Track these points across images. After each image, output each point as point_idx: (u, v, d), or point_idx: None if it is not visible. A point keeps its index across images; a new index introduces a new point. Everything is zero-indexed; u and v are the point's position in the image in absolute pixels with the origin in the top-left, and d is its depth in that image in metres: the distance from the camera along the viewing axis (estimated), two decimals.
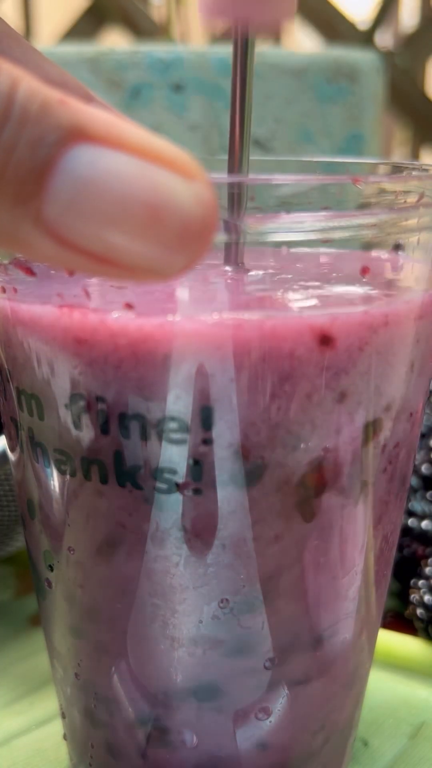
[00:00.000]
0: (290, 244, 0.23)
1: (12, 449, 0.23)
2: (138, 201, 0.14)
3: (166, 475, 0.20)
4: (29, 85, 0.14)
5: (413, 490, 0.38)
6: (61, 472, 0.21)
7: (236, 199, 0.20)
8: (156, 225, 0.14)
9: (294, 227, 0.19)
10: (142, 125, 0.15)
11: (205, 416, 0.19)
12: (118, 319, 0.19)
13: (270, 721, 0.23)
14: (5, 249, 0.21)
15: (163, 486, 0.20)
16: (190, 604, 0.21)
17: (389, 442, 0.22)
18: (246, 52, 0.21)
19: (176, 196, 0.14)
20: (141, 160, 0.14)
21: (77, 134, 0.14)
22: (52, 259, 0.15)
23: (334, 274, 0.23)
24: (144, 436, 0.20)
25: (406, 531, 0.36)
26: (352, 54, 0.69)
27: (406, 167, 0.25)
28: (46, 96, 0.14)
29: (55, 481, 0.22)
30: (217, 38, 1.00)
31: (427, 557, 0.36)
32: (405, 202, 0.21)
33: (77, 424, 0.20)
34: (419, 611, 0.34)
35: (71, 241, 0.14)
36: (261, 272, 0.22)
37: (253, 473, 0.20)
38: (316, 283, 0.22)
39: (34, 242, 0.14)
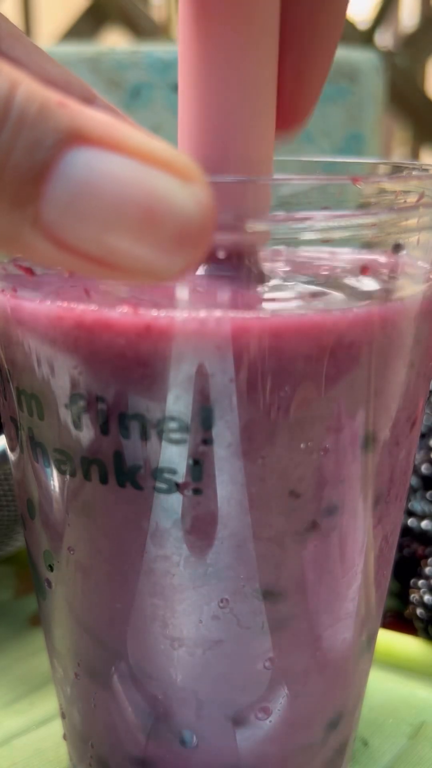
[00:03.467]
0: (290, 243, 0.23)
1: (12, 449, 0.23)
2: (135, 203, 0.14)
3: (166, 475, 0.20)
4: (28, 87, 0.14)
5: (413, 490, 0.38)
6: (61, 472, 0.21)
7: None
8: (153, 227, 0.14)
9: (293, 227, 0.19)
10: (142, 125, 0.15)
11: (204, 416, 0.19)
12: (118, 319, 0.19)
13: (270, 721, 0.23)
14: (4, 251, 0.21)
15: (162, 486, 0.20)
16: (189, 604, 0.21)
17: (389, 442, 0.22)
18: None
19: (173, 198, 0.14)
20: (138, 162, 0.14)
21: (75, 137, 0.14)
22: (51, 261, 0.15)
23: (333, 274, 0.23)
24: (144, 436, 0.20)
25: (406, 531, 0.36)
26: (352, 54, 0.69)
27: (406, 167, 0.25)
28: (44, 98, 0.14)
29: (54, 481, 0.22)
30: None
31: (427, 557, 0.36)
32: (405, 201, 0.21)
33: (77, 424, 0.20)
34: (419, 611, 0.34)
35: (69, 244, 0.14)
36: (260, 272, 0.22)
37: (252, 473, 0.20)
38: (316, 283, 0.22)
39: (32, 244, 0.14)
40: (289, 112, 0.23)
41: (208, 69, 0.21)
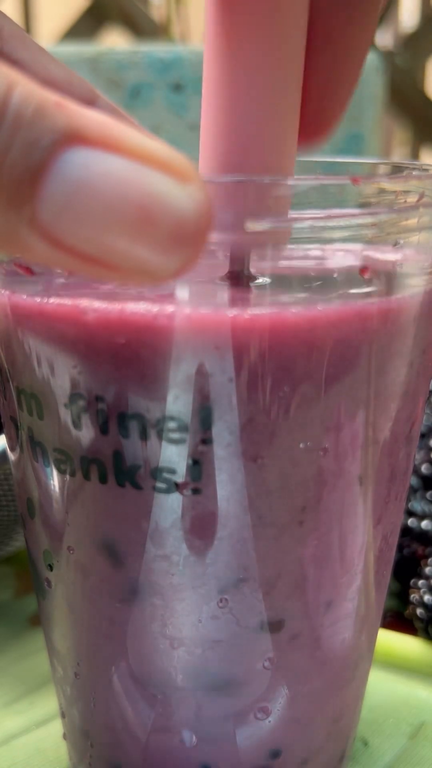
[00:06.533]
0: (289, 242, 0.23)
1: (12, 449, 0.23)
2: (131, 203, 0.14)
3: (165, 475, 0.20)
4: (25, 88, 0.14)
5: (413, 490, 0.38)
6: (61, 472, 0.21)
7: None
8: (149, 227, 0.14)
9: (294, 227, 0.19)
10: (142, 125, 0.15)
11: (204, 416, 0.19)
12: (118, 318, 0.19)
13: (269, 721, 0.23)
14: (2, 251, 0.21)
15: (162, 486, 0.20)
16: (189, 604, 0.21)
17: (389, 442, 0.22)
18: None
19: (169, 197, 0.14)
20: (135, 162, 0.14)
21: (72, 137, 0.14)
22: (48, 260, 0.15)
23: (333, 274, 0.23)
24: (143, 436, 0.20)
25: (406, 531, 0.36)
26: None
27: (406, 167, 0.25)
28: (41, 98, 0.14)
29: (54, 480, 0.22)
30: None
31: (427, 557, 0.36)
32: (405, 201, 0.21)
33: (77, 424, 0.20)
34: (419, 611, 0.34)
35: (65, 244, 0.14)
36: (260, 272, 0.22)
37: (252, 472, 0.20)
38: (316, 283, 0.22)
39: (29, 244, 0.14)
40: (314, 124, 0.23)
41: (232, 70, 0.20)
